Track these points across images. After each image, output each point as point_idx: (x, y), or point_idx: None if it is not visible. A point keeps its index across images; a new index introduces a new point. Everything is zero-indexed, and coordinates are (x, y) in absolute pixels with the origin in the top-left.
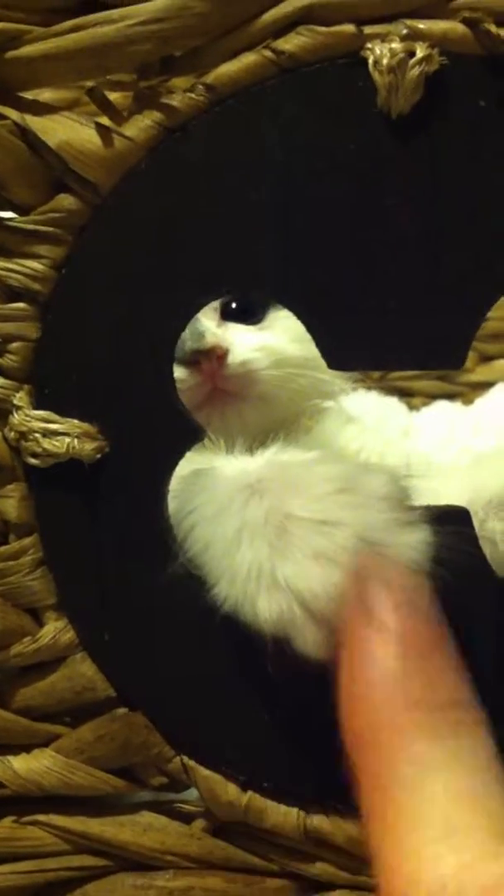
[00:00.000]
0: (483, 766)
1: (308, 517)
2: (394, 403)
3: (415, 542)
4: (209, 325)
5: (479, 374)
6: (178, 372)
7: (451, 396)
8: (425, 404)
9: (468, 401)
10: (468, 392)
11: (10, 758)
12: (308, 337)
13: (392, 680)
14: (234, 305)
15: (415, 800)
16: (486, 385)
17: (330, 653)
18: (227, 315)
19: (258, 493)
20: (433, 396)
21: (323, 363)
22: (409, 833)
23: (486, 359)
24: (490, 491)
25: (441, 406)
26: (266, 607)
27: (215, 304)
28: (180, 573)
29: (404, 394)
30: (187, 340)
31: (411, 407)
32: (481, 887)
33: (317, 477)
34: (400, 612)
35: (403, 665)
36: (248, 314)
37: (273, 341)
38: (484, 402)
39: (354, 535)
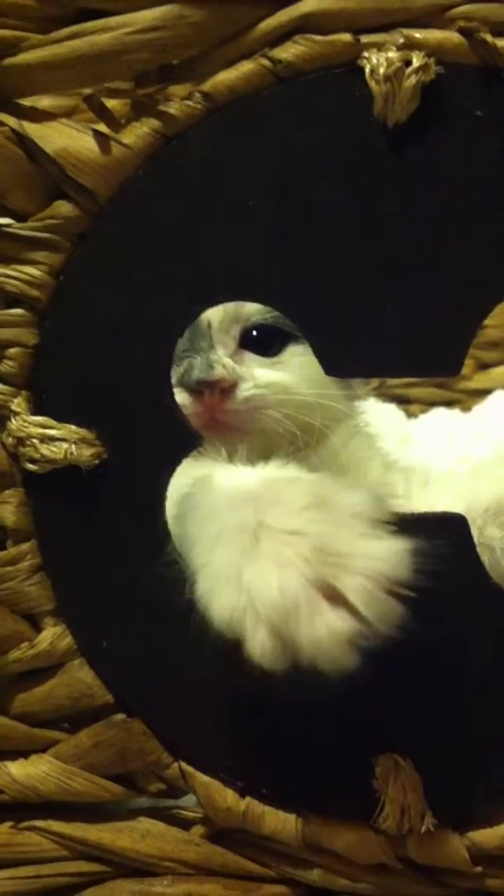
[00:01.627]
0: None
1: (278, 527)
2: (392, 410)
3: (382, 552)
4: (221, 354)
5: (477, 381)
6: (181, 397)
7: (448, 403)
8: (423, 411)
9: (466, 408)
10: (466, 399)
11: (8, 763)
12: (324, 380)
13: None
14: (254, 334)
15: None
16: (483, 392)
17: (280, 664)
18: (245, 344)
19: (244, 503)
20: (431, 403)
21: (338, 398)
22: None
23: (484, 366)
24: (487, 499)
25: (439, 413)
26: (221, 605)
27: (235, 331)
28: (176, 578)
29: (402, 401)
30: (195, 368)
31: (409, 414)
32: None
33: (296, 492)
34: None
35: None
36: (266, 346)
37: (285, 379)
38: (482, 409)
39: (315, 546)
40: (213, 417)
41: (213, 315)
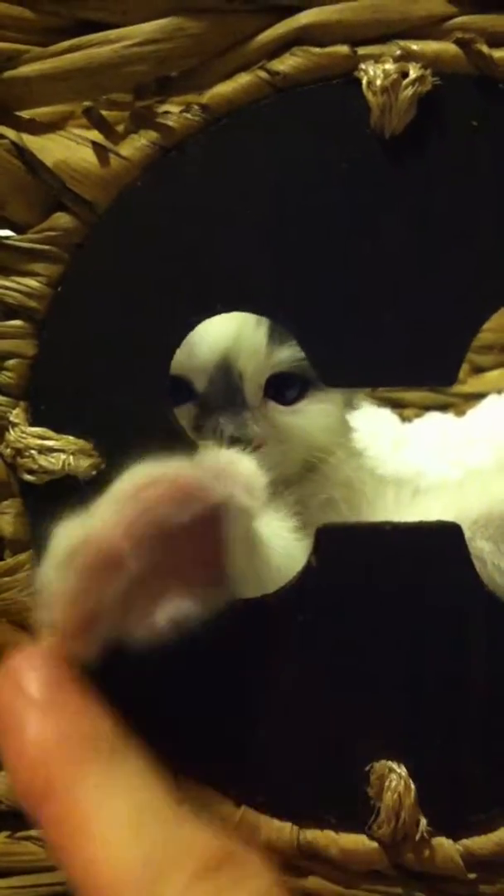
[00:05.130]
0: (148, 784)
1: None
2: (386, 415)
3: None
4: (253, 410)
5: (472, 385)
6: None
7: (443, 407)
8: (418, 415)
9: (460, 412)
10: (460, 403)
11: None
12: (336, 425)
13: (51, 741)
14: (277, 381)
15: (102, 822)
16: (478, 396)
17: None
18: (267, 391)
19: None
20: (425, 407)
21: (347, 436)
22: (102, 842)
23: (479, 370)
24: (476, 510)
25: (433, 417)
26: None
27: (262, 379)
28: None
29: (397, 404)
30: (229, 426)
31: (403, 418)
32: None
33: None
34: (46, 685)
35: (58, 727)
36: (287, 393)
37: (306, 429)
38: (476, 413)
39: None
40: None
41: (246, 365)
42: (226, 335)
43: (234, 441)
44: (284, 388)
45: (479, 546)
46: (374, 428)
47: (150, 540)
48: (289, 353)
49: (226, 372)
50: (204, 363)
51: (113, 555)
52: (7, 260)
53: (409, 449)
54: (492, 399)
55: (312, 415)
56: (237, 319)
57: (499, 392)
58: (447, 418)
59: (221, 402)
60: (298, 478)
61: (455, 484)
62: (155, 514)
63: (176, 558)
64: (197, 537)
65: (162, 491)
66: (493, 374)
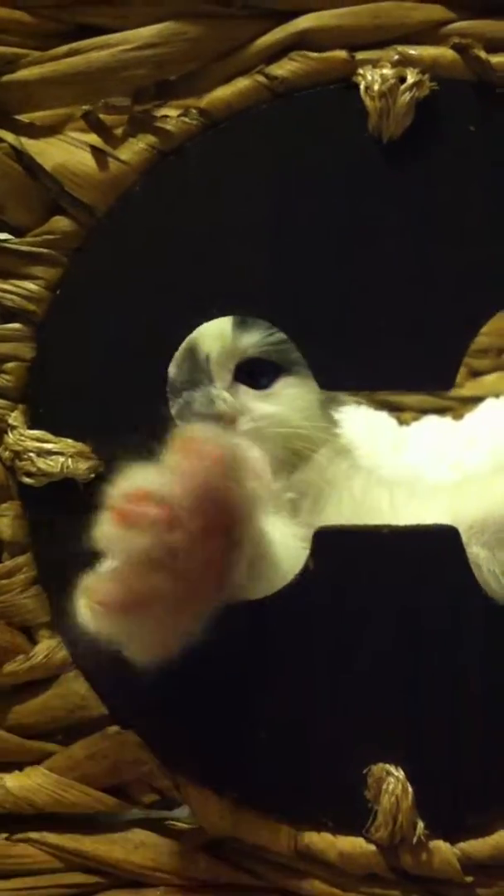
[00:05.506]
0: None
1: None
2: (384, 418)
3: None
4: (220, 388)
5: (469, 389)
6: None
7: (440, 411)
8: (415, 419)
9: (458, 415)
10: (458, 407)
11: (3, 775)
12: (314, 410)
13: None
14: (247, 366)
15: None
16: (475, 400)
17: None
18: (238, 376)
19: None
20: (423, 411)
21: (327, 424)
22: None
23: (476, 374)
24: (471, 516)
25: (431, 421)
26: None
27: (231, 364)
28: None
29: (394, 408)
30: (195, 403)
31: (401, 421)
32: None
33: None
34: None
35: None
36: (258, 378)
37: (279, 412)
38: (473, 417)
39: None
40: None
41: (211, 347)
42: None
43: (202, 418)
44: (258, 374)
45: (475, 552)
46: (371, 431)
47: (200, 502)
48: (256, 338)
49: (192, 355)
50: None
51: (172, 511)
52: (6, 263)
53: (406, 452)
54: (489, 403)
55: (286, 398)
56: None
57: (496, 396)
58: (444, 422)
59: (188, 382)
60: (288, 473)
61: (451, 488)
62: (210, 473)
63: (192, 560)
64: (209, 538)
65: (218, 453)
66: (490, 378)
